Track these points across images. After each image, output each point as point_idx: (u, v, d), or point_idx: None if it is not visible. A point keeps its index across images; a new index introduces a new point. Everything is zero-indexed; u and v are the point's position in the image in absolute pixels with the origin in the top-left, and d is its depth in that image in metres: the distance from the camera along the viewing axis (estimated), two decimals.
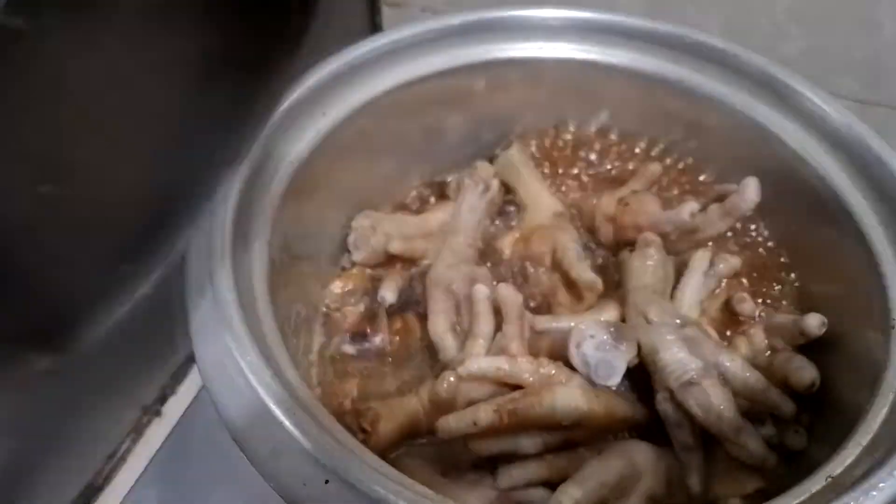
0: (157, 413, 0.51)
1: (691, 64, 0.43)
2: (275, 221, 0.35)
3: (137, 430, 0.50)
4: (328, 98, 0.39)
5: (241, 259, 0.32)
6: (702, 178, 0.44)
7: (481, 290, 0.38)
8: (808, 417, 0.35)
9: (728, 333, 0.40)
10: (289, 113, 0.36)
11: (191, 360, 0.54)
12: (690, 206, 0.38)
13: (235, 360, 0.28)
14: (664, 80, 0.43)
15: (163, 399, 0.52)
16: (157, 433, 0.50)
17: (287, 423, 0.26)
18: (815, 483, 0.26)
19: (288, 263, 0.37)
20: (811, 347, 0.37)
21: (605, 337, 0.33)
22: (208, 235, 0.31)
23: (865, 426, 0.28)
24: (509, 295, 0.36)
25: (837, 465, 0.27)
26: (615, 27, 0.43)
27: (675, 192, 0.44)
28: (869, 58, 0.51)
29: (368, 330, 0.40)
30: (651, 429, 0.36)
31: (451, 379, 0.34)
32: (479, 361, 0.34)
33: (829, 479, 0.26)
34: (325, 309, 0.42)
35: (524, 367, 0.33)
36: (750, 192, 0.37)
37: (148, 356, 0.50)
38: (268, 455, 0.27)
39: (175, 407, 0.51)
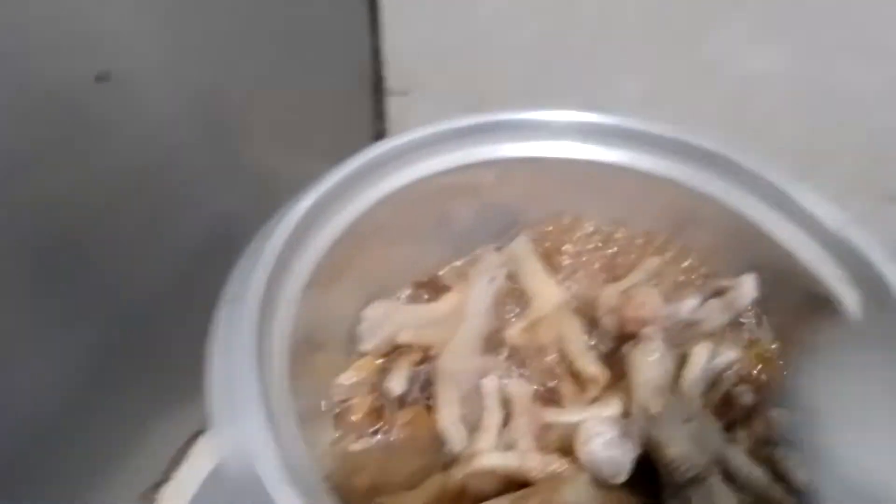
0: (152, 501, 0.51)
1: (687, 163, 0.45)
2: (296, 317, 0.36)
3: None
4: (347, 195, 0.41)
5: (261, 353, 0.33)
6: (701, 270, 0.46)
7: (490, 384, 0.39)
8: None
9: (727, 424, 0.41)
10: (311, 210, 0.38)
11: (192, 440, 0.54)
12: (690, 303, 0.39)
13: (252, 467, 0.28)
14: (662, 178, 0.46)
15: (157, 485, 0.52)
16: None
17: None
18: None
19: (305, 353, 0.38)
20: None
21: (612, 436, 0.34)
22: (228, 332, 0.32)
23: None
24: (519, 389, 0.37)
25: None
26: (613, 129, 0.46)
27: (675, 285, 0.46)
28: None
29: (378, 423, 0.41)
30: None
31: (459, 475, 0.35)
32: (490, 458, 0.34)
33: None
34: (336, 400, 0.43)
35: (532, 464, 0.34)
36: (747, 287, 0.39)
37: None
38: None
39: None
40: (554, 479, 0.34)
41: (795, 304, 0.42)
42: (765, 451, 0.39)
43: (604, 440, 0.34)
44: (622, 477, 0.34)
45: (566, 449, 0.36)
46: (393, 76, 0.70)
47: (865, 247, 0.39)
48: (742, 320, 0.44)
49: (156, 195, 0.46)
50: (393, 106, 0.72)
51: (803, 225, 0.41)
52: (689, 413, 0.37)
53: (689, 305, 0.39)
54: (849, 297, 0.39)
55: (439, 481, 0.36)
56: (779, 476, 0.36)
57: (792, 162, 0.45)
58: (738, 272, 0.43)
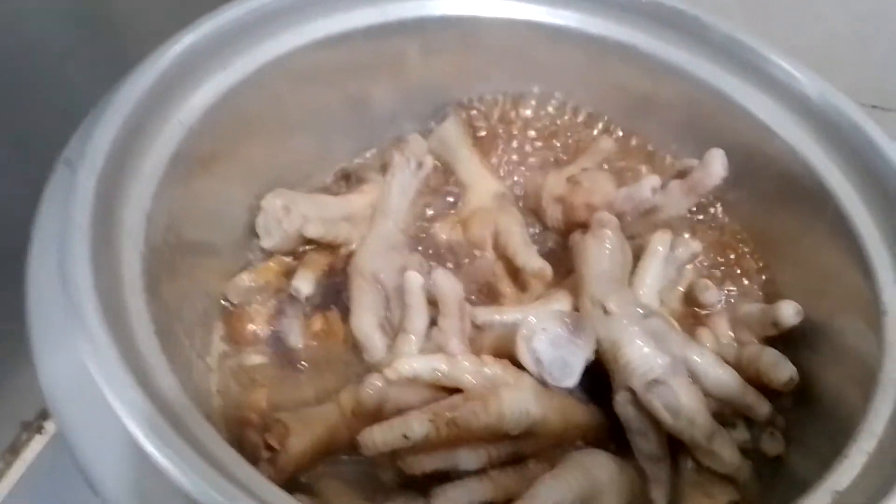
0: (39, 430, 0.44)
1: (648, 28, 0.38)
2: (157, 196, 0.28)
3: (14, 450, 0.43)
4: (230, 50, 0.32)
5: (106, 239, 0.25)
6: (659, 153, 0.40)
7: (414, 279, 0.32)
8: (783, 420, 0.31)
9: (690, 326, 0.35)
10: (180, 63, 0.30)
11: None
12: (652, 181, 0.33)
13: (90, 375, 0.21)
14: (617, 45, 0.39)
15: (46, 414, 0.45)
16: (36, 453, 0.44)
17: (159, 456, 0.20)
18: (819, 500, 0.22)
19: (176, 249, 0.30)
20: (782, 342, 0.33)
21: (559, 330, 0.28)
22: (62, 207, 0.24)
23: (868, 429, 0.24)
24: (447, 283, 0.31)
25: (842, 477, 0.22)
26: None
27: (629, 171, 0.40)
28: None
29: (280, 330, 0.34)
30: (608, 436, 0.31)
31: (378, 383, 0.28)
32: (412, 361, 0.28)
33: (836, 496, 0.22)
34: (228, 305, 0.35)
35: (465, 368, 0.28)
36: (716, 164, 0.33)
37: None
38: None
39: None
40: (491, 386, 0.28)
41: (767, 187, 0.37)
42: (731, 352, 0.33)
43: (550, 337, 0.28)
44: (572, 380, 0.28)
45: (504, 353, 0.30)
46: None
47: (855, 116, 0.33)
48: (704, 208, 0.39)
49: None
50: None
51: (782, 94, 0.35)
52: (647, 309, 0.31)
53: (649, 186, 0.33)
54: (833, 177, 0.33)
55: (352, 394, 0.30)
56: (750, 379, 0.31)
57: None
58: (703, 154, 0.37)
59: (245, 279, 0.36)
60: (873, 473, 0.22)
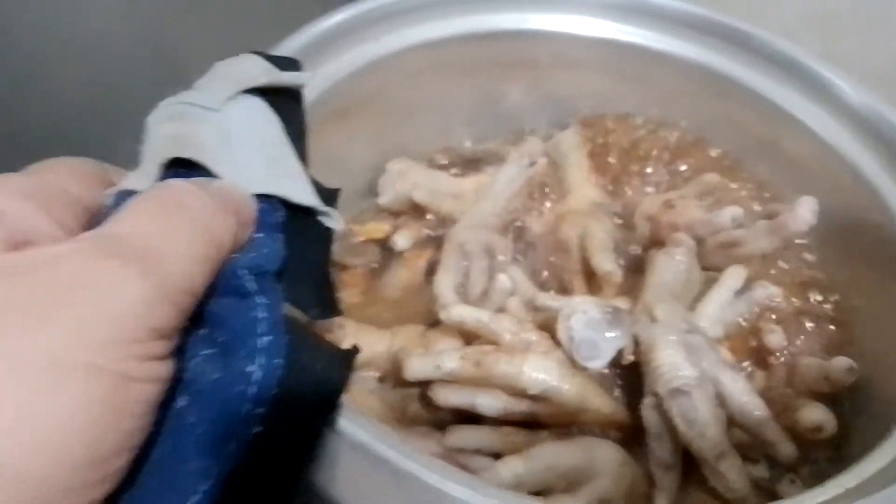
0: None
1: (772, 74, 0.39)
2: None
3: None
4: (381, 28, 0.38)
5: None
6: (766, 195, 0.40)
7: (503, 282, 0.35)
8: (808, 470, 0.31)
9: (747, 364, 0.36)
10: (337, 28, 0.36)
11: None
12: (733, 211, 0.34)
13: None
14: (744, 88, 0.40)
15: None
16: None
17: None
18: None
19: None
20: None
21: (598, 316, 0.31)
22: None
23: (858, 469, 0.24)
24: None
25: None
26: (686, 19, 0.40)
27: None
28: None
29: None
30: (632, 441, 0.33)
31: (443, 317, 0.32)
32: (461, 308, 0.32)
33: None
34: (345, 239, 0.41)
35: (505, 327, 0.31)
36: (804, 210, 0.34)
37: None
38: None
39: None
40: (523, 347, 0.31)
41: (865, 251, 0.36)
42: (780, 398, 0.34)
43: (587, 318, 0.30)
44: (597, 363, 0.30)
45: (548, 330, 0.33)
46: None
47: None
48: (799, 258, 0.39)
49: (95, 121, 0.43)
50: None
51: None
52: (693, 327, 0.32)
53: (730, 215, 0.34)
54: None
55: (410, 332, 0.34)
56: (787, 425, 0.31)
57: None
58: None
59: (352, 230, 0.42)
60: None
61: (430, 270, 0.39)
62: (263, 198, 0.24)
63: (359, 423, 0.22)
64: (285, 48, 0.34)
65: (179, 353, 0.19)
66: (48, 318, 0.16)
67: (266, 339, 0.19)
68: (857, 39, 0.46)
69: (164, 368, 0.18)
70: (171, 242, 0.19)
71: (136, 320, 0.17)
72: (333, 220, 0.26)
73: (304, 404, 0.20)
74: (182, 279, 0.19)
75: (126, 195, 0.21)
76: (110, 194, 0.22)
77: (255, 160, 0.24)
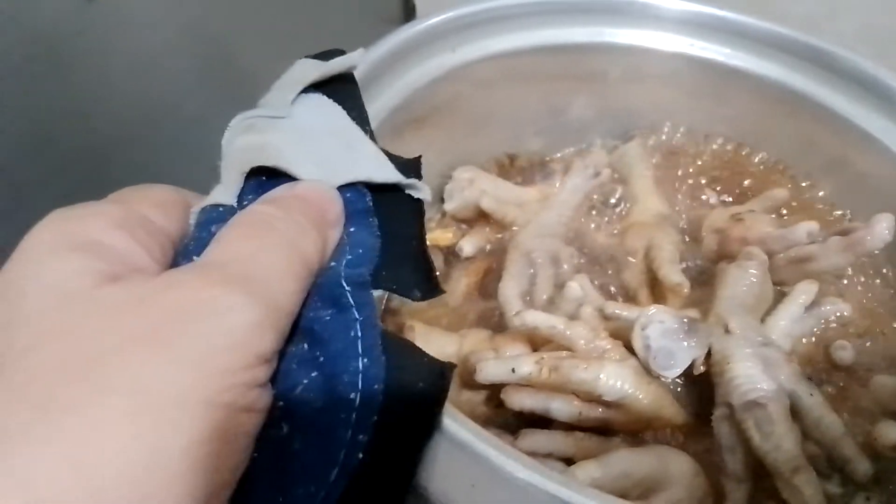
0: None
1: (845, 90, 0.39)
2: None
3: None
4: (459, 39, 0.39)
5: None
6: (836, 213, 0.40)
7: (574, 290, 0.36)
8: (881, 491, 0.31)
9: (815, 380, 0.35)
10: (415, 39, 0.37)
11: None
12: (809, 226, 0.34)
13: None
14: (814, 103, 0.40)
15: None
16: None
17: None
18: None
19: None
20: None
21: (674, 326, 0.31)
22: None
23: None
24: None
25: None
26: (765, 36, 0.40)
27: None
28: None
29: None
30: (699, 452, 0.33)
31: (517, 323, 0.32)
32: (535, 315, 0.32)
33: None
34: None
35: (580, 333, 0.31)
36: (881, 227, 0.33)
37: None
38: None
39: None
40: (598, 355, 0.31)
41: None
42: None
43: (664, 328, 0.31)
44: (672, 373, 0.30)
45: (621, 339, 0.33)
46: None
47: None
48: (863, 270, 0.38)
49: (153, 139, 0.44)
50: None
51: None
52: (767, 340, 0.32)
53: (805, 230, 0.34)
54: None
55: (478, 336, 0.34)
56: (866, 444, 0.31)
57: None
58: None
59: None
60: None
61: (493, 279, 0.40)
62: (348, 187, 0.24)
63: (460, 422, 0.22)
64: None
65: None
66: (170, 351, 0.16)
67: (366, 361, 0.19)
68: None
69: (266, 395, 0.18)
70: (269, 265, 0.19)
71: (246, 347, 0.17)
72: (420, 191, 0.26)
73: (406, 426, 0.20)
74: (284, 300, 0.19)
75: (212, 210, 0.22)
76: (195, 211, 0.22)
77: (330, 152, 0.25)
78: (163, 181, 0.23)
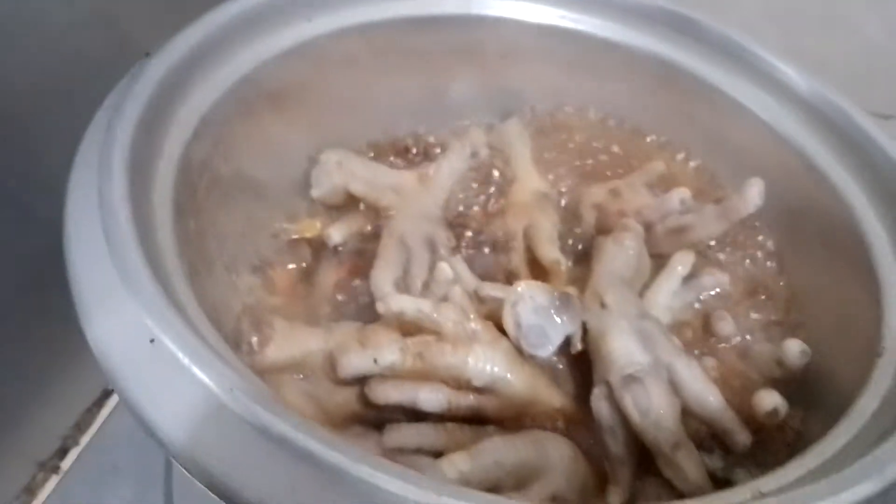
0: (55, 470, 0.43)
1: (713, 59, 0.39)
2: (222, 127, 0.31)
3: (30, 491, 0.42)
4: (315, 7, 0.36)
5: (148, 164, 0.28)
6: (713, 183, 0.40)
7: (445, 271, 0.33)
8: (763, 457, 0.30)
9: (697, 353, 0.34)
10: (268, 3, 0.34)
11: (101, 400, 0.45)
12: (680, 192, 0.33)
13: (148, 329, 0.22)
14: (688, 74, 0.39)
15: (63, 452, 0.43)
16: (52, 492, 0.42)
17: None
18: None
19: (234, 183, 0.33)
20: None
21: (546, 302, 0.29)
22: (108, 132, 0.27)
23: (818, 451, 0.23)
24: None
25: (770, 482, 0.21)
26: (635, 5, 0.40)
27: None
28: None
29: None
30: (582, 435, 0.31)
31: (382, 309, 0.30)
32: (401, 299, 0.29)
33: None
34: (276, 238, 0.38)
35: (448, 316, 0.29)
36: (752, 192, 0.33)
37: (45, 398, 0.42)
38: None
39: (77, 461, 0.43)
40: (468, 337, 0.29)
41: (813, 235, 0.36)
42: (733, 386, 0.33)
43: (534, 305, 0.29)
44: (545, 351, 0.29)
45: (493, 321, 0.31)
46: None
47: None
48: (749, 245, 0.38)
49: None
50: None
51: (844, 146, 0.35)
52: (644, 313, 0.31)
53: (678, 197, 0.33)
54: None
55: (346, 329, 0.31)
56: (742, 412, 0.30)
57: None
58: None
59: (289, 230, 0.39)
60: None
61: (367, 268, 0.37)
62: None
63: (282, 417, 0.19)
64: (210, 22, 0.31)
65: None
66: None
67: None
68: (817, 35, 0.46)
69: None
70: None
71: None
72: None
73: None
74: None
75: None
76: None
77: None
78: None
